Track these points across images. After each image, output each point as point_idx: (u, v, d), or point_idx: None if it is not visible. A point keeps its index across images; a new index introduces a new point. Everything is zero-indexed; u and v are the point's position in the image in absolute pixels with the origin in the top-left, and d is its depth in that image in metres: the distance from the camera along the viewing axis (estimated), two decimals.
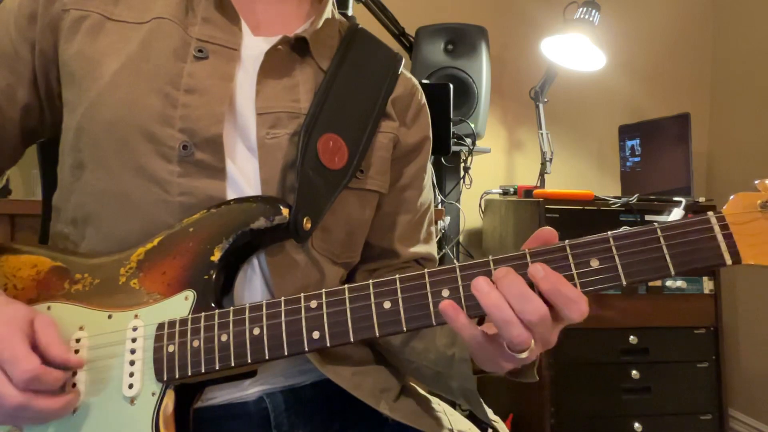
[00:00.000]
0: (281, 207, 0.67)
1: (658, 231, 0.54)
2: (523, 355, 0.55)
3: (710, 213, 0.54)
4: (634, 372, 1.82)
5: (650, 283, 1.84)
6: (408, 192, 0.84)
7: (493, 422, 0.75)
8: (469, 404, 0.69)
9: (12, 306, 0.62)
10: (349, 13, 1.77)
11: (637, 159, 2.25)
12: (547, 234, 0.58)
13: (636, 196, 1.87)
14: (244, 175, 0.71)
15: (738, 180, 2.41)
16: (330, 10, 0.83)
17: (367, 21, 1.94)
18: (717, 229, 0.53)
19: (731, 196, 0.54)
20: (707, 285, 1.88)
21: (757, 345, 2.31)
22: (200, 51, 0.72)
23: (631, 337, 1.83)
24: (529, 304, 0.53)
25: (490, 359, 0.59)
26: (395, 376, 0.80)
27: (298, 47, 0.77)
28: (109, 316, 0.65)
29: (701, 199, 1.95)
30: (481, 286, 0.55)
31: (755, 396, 2.30)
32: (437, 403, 0.81)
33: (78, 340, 0.65)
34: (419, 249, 0.85)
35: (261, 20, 0.78)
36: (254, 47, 0.75)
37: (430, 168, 0.89)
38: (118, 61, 0.70)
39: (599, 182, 2.50)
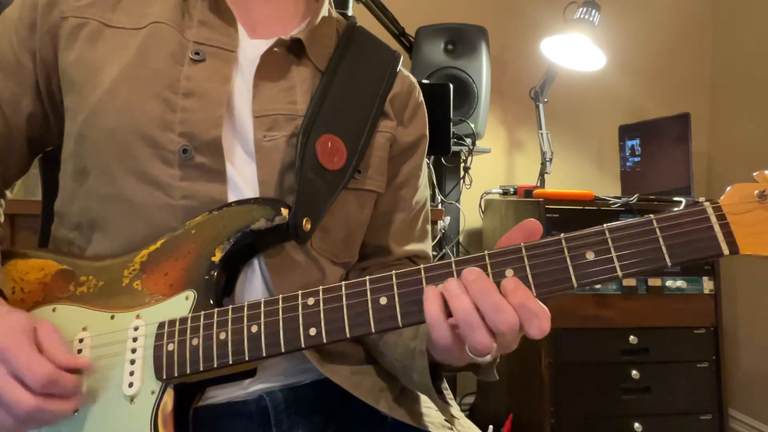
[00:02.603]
0: (281, 208, 0.67)
1: (654, 222, 0.54)
2: (487, 359, 0.56)
3: (706, 203, 0.53)
4: (634, 372, 1.82)
5: (650, 283, 1.84)
6: (404, 190, 0.84)
7: (455, 419, 0.75)
8: (429, 397, 0.69)
9: (14, 314, 0.62)
10: (349, 13, 1.77)
11: (637, 159, 2.25)
12: (532, 226, 0.57)
13: (636, 196, 1.87)
14: (244, 178, 0.71)
15: (738, 180, 2.38)
16: (327, 9, 0.83)
17: (367, 21, 1.94)
18: (713, 219, 0.53)
19: (728, 187, 0.53)
20: (707, 285, 1.88)
21: (757, 345, 2.31)
22: (197, 54, 0.72)
23: (631, 337, 1.82)
24: (501, 314, 0.53)
25: (450, 354, 0.59)
26: (395, 375, 0.80)
27: (294, 49, 0.77)
28: (112, 317, 0.66)
29: (701, 199, 1.93)
30: (452, 287, 0.55)
31: (755, 396, 2.30)
32: None
33: (81, 341, 0.65)
34: (413, 247, 0.86)
35: (257, 22, 0.78)
36: (251, 50, 0.75)
37: (426, 166, 0.89)
38: (117, 67, 0.70)
39: (599, 182, 2.50)
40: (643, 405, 1.83)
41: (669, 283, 1.85)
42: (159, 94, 0.69)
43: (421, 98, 0.87)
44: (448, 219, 2.01)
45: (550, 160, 2.21)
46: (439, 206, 1.97)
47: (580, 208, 1.84)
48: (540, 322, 0.53)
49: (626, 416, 1.82)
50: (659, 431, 1.83)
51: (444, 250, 2.03)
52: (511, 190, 2.12)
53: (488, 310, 0.53)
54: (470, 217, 2.19)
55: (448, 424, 0.77)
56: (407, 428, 0.74)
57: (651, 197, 1.95)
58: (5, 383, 0.56)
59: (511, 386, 1.98)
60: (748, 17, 2.43)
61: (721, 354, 1.87)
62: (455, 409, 0.73)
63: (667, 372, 1.85)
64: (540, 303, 0.54)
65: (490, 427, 1.83)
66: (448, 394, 0.75)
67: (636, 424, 1.81)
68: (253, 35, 0.77)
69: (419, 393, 0.81)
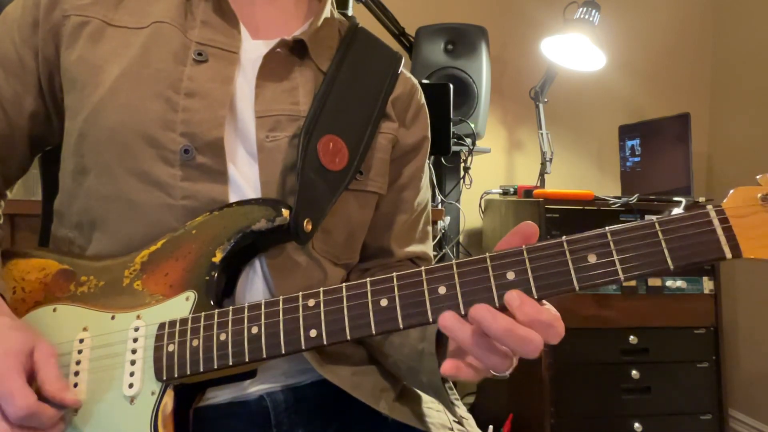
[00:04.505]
0: (282, 209, 0.67)
1: (657, 225, 0.53)
2: (508, 373, 0.55)
3: (709, 207, 0.53)
4: (634, 372, 1.82)
5: (650, 283, 1.84)
6: (406, 192, 0.84)
7: (463, 419, 0.75)
8: (439, 399, 0.69)
9: (13, 334, 0.60)
10: (349, 13, 1.77)
11: (637, 159, 2.25)
12: (529, 229, 0.57)
13: (636, 196, 1.87)
14: (245, 178, 0.71)
15: (738, 180, 2.38)
16: (329, 10, 0.83)
17: (367, 21, 1.94)
18: (716, 222, 0.52)
19: (731, 191, 0.53)
20: (707, 285, 1.88)
21: (757, 345, 2.31)
22: (200, 54, 0.72)
23: (631, 337, 1.82)
24: (529, 345, 0.52)
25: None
26: (395, 376, 0.80)
27: (296, 49, 0.77)
28: (112, 317, 0.66)
29: (701, 199, 1.95)
30: (450, 323, 0.54)
31: (755, 396, 2.30)
32: (437, 402, 0.81)
33: (81, 341, 0.65)
34: (414, 248, 0.86)
35: (260, 23, 0.78)
36: (253, 51, 0.75)
37: (427, 168, 0.89)
38: (119, 66, 0.70)
39: (599, 182, 2.50)
40: (643, 405, 1.83)
41: (669, 283, 1.85)
42: (161, 94, 0.69)
43: (423, 100, 0.87)
44: (448, 219, 2.00)
45: (550, 160, 2.21)
46: (439, 206, 1.96)
47: (580, 208, 1.84)
48: (557, 330, 0.53)
49: (626, 416, 1.82)
50: (659, 431, 1.83)
51: (444, 250, 2.02)
52: (511, 190, 2.12)
53: (516, 343, 0.52)
54: (470, 217, 2.19)
55: (449, 425, 0.77)
56: (408, 429, 0.74)
57: (651, 197, 1.95)
58: None
59: (511, 386, 1.98)
60: (748, 17, 2.43)
61: (721, 354, 1.87)
62: (462, 410, 0.72)
63: (667, 372, 1.85)
64: (548, 309, 0.54)
65: (490, 427, 1.83)
66: (454, 394, 0.75)
67: (636, 424, 1.81)
68: (255, 36, 0.77)
69: (422, 393, 0.81)
